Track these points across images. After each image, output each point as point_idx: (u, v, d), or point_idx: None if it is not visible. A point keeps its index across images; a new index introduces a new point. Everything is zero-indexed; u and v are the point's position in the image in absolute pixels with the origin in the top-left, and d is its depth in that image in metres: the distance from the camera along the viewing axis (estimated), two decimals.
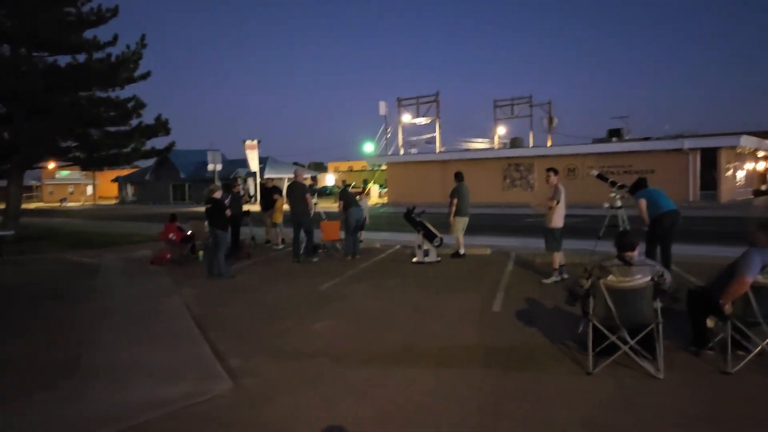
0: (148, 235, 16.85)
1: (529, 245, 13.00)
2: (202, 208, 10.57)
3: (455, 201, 11.31)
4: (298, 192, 11.52)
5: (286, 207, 14.24)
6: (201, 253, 12.05)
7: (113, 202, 63.56)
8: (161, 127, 18.27)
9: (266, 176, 27.65)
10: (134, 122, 18.12)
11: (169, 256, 11.73)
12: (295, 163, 60.43)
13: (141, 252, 13.60)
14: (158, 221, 19.25)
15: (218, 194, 10.16)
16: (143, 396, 4.52)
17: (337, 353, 5.49)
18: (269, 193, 14.42)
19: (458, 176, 11.70)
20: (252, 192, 43.41)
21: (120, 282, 9.96)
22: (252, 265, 11.38)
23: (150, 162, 54.20)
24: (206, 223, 10.33)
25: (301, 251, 11.45)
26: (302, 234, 11.43)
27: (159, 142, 50.59)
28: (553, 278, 8.75)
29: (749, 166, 35.26)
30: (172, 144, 19.51)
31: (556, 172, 9.14)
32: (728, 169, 29.67)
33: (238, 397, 4.48)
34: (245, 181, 45.15)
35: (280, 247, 13.77)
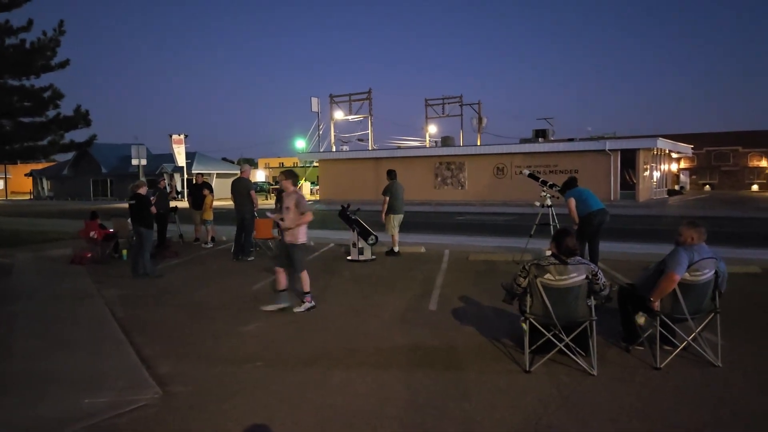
0: (67, 232, 15.93)
1: (463, 243, 13.17)
2: (126, 205, 10.07)
3: (387, 199, 11.30)
4: (243, 189, 11.23)
5: (218, 203, 13.85)
6: (125, 252, 11.50)
7: (27, 197, 59.97)
8: (81, 118, 17.25)
9: (194, 172, 26.82)
10: (51, 113, 16.99)
11: (90, 255, 11.11)
12: (225, 159, 58.98)
13: (59, 251, 12.80)
14: (77, 218, 18.26)
15: (143, 190, 9.69)
16: (63, 408, 4.20)
17: (272, 356, 5.32)
18: (198, 189, 13.94)
19: (391, 174, 11.70)
20: (179, 188, 42.05)
21: (36, 283, 9.32)
22: (180, 264, 10.94)
23: (69, 156, 51.46)
24: (130, 220, 9.85)
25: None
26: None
27: (79, 135, 48.04)
28: (307, 304, 7.00)
29: (664, 167, 37.23)
30: (93, 137, 18.48)
31: (288, 176, 7.31)
32: (645, 170, 31.21)
33: (167, 405, 4.23)
34: (172, 176, 43.65)
35: (210, 245, 13.34)
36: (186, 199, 15.92)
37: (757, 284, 8.17)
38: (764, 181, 49.83)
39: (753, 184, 49.86)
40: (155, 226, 10.64)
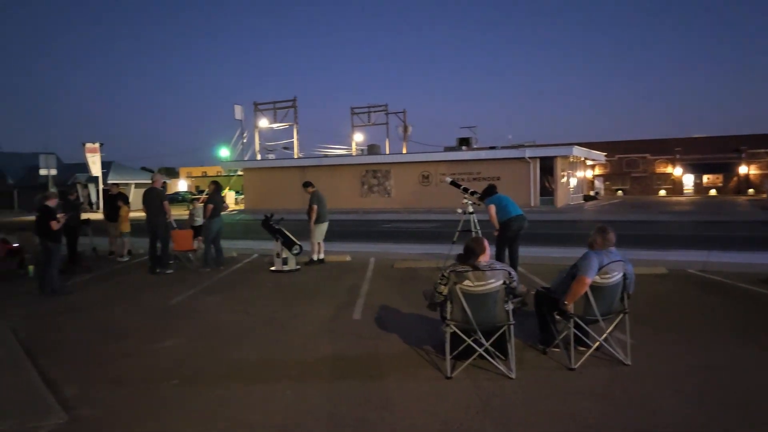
0: None
1: (388, 250, 13.21)
2: (34, 218, 9.45)
3: (315, 207, 11.22)
4: (155, 199, 10.78)
5: (132, 215, 13.28)
6: (31, 267, 10.80)
7: None
8: None
9: (110, 182, 25.64)
10: None
11: None
12: (144, 168, 56.80)
13: None
14: None
15: (51, 202, 9.14)
16: None
17: (189, 373, 5.11)
18: (113, 200, 13.33)
19: (311, 184, 11.67)
20: (94, 199, 40.15)
21: None
22: (93, 279, 10.39)
23: None
24: (36, 234, 9.23)
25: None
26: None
27: None
28: None
29: (580, 173, 38.92)
30: None
31: None
32: (563, 177, 32.49)
33: (74, 431, 3.98)
34: (86, 187, 41.58)
35: (126, 258, 12.76)
36: (101, 211, 15.16)
37: (663, 284, 8.63)
38: (670, 186, 53.09)
39: (660, 189, 53.09)
40: (64, 239, 10.06)
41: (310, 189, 11.53)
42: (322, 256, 11.44)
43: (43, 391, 4.67)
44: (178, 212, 22.12)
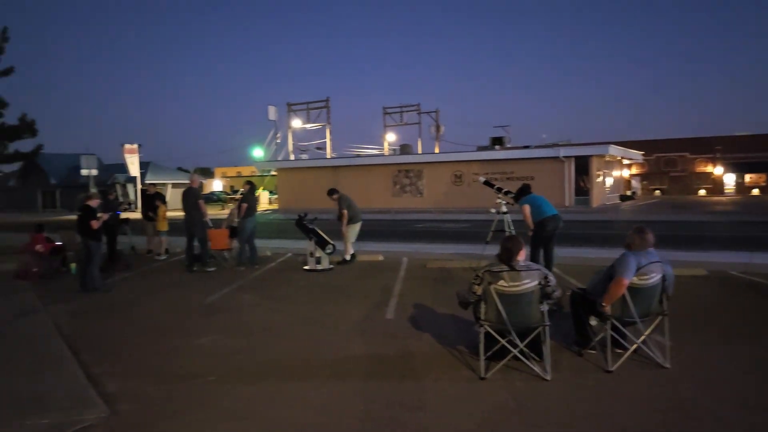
0: (12, 246, 15.30)
1: (420, 250, 13.19)
2: (76, 217, 9.72)
3: (346, 212, 11.28)
4: (192, 198, 10.98)
5: (170, 214, 13.55)
6: (73, 265, 11.11)
7: None
8: (26, 128, 16.71)
9: (148, 182, 26.22)
10: None
11: (36, 269, 10.69)
12: (180, 169, 57.93)
13: (2, 266, 12.29)
14: (23, 231, 17.59)
15: (93, 202, 9.39)
16: (2, 431, 4.00)
17: (225, 370, 5.19)
18: (151, 200, 13.62)
19: (336, 191, 11.69)
20: (132, 198, 41.07)
21: None
22: (132, 277, 10.64)
23: (15, 167, 49.62)
24: (77, 232, 9.49)
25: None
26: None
27: (24, 145, 46.16)
28: None
29: (617, 173, 38.21)
30: (39, 147, 17.94)
31: None
32: (598, 176, 31.95)
33: (115, 424, 4.08)
34: (125, 187, 42.61)
35: (163, 257, 13.02)
36: (139, 210, 15.51)
37: (703, 286, 8.42)
38: (710, 186, 51.73)
39: (700, 188, 51.73)
40: (104, 238, 10.33)
41: (335, 196, 11.57)
42: (347, 255, 11.47)
43: (86, 386, 4.81)
44: (213, 212, 22.47)
